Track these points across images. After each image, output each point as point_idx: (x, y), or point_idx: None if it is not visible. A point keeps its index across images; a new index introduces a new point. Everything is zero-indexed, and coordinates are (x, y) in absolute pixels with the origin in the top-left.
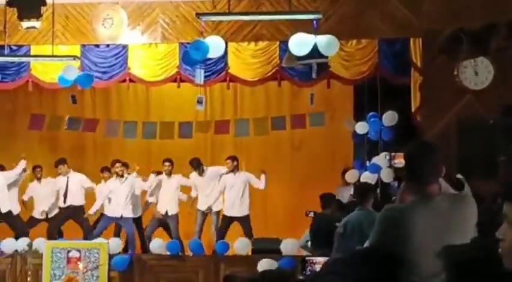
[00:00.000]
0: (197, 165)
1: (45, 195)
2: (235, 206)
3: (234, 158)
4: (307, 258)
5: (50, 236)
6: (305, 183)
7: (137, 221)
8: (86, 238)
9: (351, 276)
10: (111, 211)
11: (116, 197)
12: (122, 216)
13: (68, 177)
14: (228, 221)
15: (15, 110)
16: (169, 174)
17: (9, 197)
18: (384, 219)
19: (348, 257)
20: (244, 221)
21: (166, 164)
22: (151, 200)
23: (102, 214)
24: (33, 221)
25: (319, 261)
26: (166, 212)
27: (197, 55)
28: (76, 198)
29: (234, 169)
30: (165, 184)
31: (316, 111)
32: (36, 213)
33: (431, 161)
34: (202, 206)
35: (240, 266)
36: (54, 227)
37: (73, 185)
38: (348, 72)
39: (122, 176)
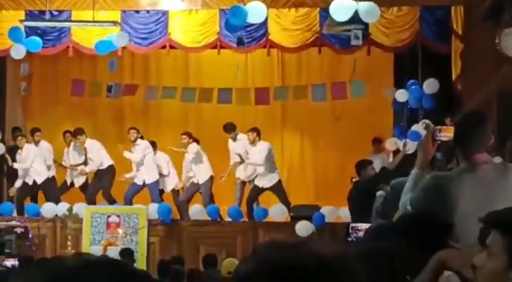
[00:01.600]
0: (230, 129)
1: (74, 161)
2: (263, 176)
3: (254, 130)
4: (352, 224)
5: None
6: (345, 150)
7: (174, 192)
8: (108, 202)
9: (397, 242)
10: (136, 178)
11: (136, 163)
12: (144, 182)
13: (85, 147)
14: (257, 190)
15: (56, 75)
16: (186, 146)
17: (44, 167)
18: (430, 186)
19: (392, 223)
20: (276, 189)
21: (184, 136)
22: (190, 174)
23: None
24: (65, 187)
25: (364, 227)
26: (198, 181)
27: (235, 21)
28: (100, 163)
29: (255, 140)
30: (186, 156)
31: (356, 78)
32: (68, 179)
33: (481, 130)
34: (240, 174)
35: (278, 232)
36: (91, 193)
37: (92, 152)
38: (389, 39)
39: (135, 141)
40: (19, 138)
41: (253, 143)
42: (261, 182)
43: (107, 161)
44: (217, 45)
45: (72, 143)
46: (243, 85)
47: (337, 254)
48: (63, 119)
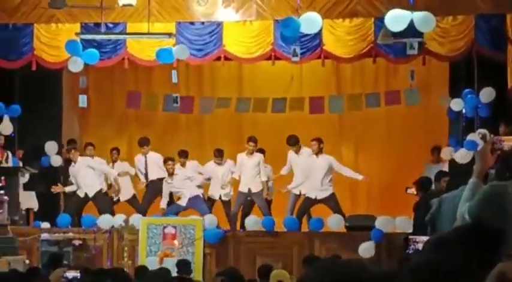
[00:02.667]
0: (294, 143)
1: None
2: (318, 188)
3: (319, 140)
4: (410, 236)
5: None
6: (400, 160)
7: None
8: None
9: (456, 253)
10: (181, 200)
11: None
12: (186, 205)
13: (146, 157)
14: (309, 202)
15: (112, 87)
16: (251, 153)
17: (96, 180)
18: (488, 195)
19: (451, 233)
20: (329, 201)
21: (251, 143)
22: (234, 175)
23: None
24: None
25: (422, 240)
26: (249, 190)
27: (288, 32)
28: (157, 173)
29: (319, 152)
30: (246, 162)
31: (411, 87)
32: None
33: None
34: (296, 188)
35: (334, 242)
36: (144, 204)
37: (152, 164)
38: (444, 48)
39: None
40: (72, 151)
41: (317, 154)
42: (313, 194)
43: (163, 173)
44: (272, 56)
45: (118, 161)
46: (298, 95)
47: (389, 271)
48: (119, 132)
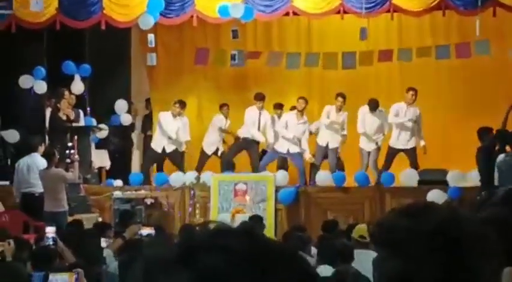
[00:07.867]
0: (376, 107)
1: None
2: (401, 138)
3: (415, 90)
4: None
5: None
6: (470, 113)
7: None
8: (253, 171)
9: None
10: (279, 146)
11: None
12: (288, 151)
13: (260, 112)
14: (393, 152)
15: (181, 45)
16: (339, 109)
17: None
18: None
19: None
20: (411, 152)
21: (340, 99)
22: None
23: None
24: (204, 157)
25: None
26: (327, 144)
27: None
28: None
29: (414, 101)
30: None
31: (481, 39)
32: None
33: None
34: (366, 145)
35: (405, 197)
36: (227, 158)
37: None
38: None
39: (302, 111)
40: (177, 105)
41: (410, 104)
42: (397, 144)
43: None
44: (341, 10)
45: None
46: (366, 49)
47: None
48: (188, 89)
